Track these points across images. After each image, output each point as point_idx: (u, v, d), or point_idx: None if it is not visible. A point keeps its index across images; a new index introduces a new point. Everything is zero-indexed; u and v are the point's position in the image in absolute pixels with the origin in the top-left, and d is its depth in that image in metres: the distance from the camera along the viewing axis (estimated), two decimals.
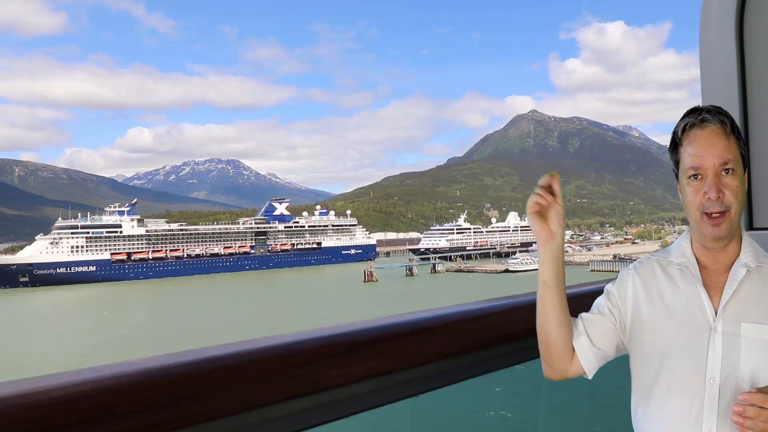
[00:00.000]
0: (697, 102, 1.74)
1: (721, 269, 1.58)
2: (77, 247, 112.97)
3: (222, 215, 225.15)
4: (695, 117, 1.55)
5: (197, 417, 1.25)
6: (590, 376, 1.66)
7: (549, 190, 1.60)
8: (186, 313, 70.38)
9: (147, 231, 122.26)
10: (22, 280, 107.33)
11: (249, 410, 1.33)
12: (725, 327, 1.50)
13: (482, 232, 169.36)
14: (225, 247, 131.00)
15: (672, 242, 1.72)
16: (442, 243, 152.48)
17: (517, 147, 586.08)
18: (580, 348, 1.64)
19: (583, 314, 1.70)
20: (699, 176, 1.52)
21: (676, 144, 1.59)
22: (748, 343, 1.48)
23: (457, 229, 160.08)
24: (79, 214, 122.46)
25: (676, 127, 1.60)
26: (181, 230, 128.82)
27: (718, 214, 1.51)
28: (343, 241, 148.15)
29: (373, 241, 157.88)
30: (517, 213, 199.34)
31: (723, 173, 1.51)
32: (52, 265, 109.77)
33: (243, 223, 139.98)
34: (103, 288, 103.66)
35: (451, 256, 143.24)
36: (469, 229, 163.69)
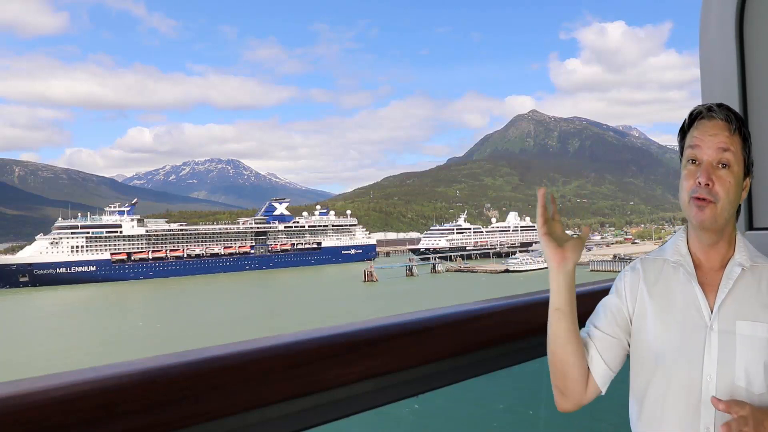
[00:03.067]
0: (698, 102, 1.81)
1: (715, 267, 1.59)
2: (77, 247, 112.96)
3: (222, 215, 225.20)
4: (704, 107, 1.60)
5: (197, 417, 1.25)
6: (603, 392, 1.66)
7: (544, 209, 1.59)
8: (186, 313, 70.41)
9: (147, 231, 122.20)
10: (22, 280, 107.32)
11: (249, 410, 1.33)
12: (721, 325, 1.51)
13: (482, 232, 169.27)
14: (225, 247, 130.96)
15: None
16: (442, 243, 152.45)
17: (517, 147, 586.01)
18: (597, 371, 1.62)
19: (591, 333, 1.66)
20: (696, 161, 1.56)
21: (684, 131, 1.63)
22: (744, 341, 1.49)
23: (457, 229, 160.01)
24: (79, 214, 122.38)
25: (687, 115, 1.63)
26: (181, 230, 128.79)
27: (704, 200, 1.53)
28: (343, 241, 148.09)
29: (373, 241, 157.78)
30: (516, 213, 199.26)
31: (719, 166, 1.53)
32: (52, 265, 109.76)
33: (243, 223, 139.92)
34: (103, 288, 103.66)
35: (451, 256, 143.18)
36: (469, 229, 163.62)
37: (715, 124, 1.57)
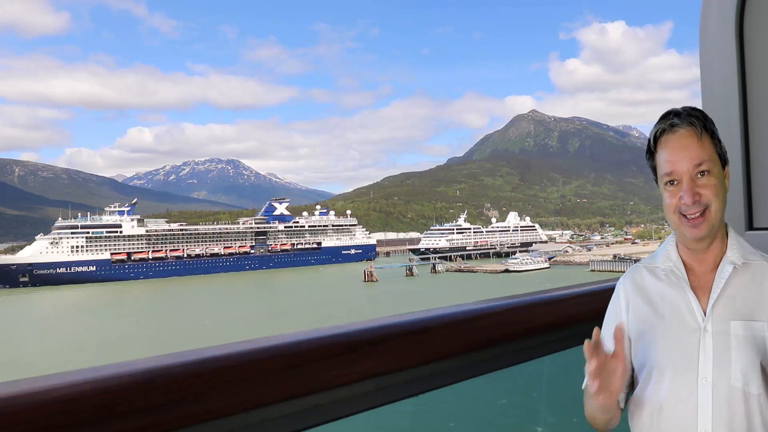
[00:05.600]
0: (698, 102, 1.77)
1: (707, 269, 1.58)
2: (77, 247, 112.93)
3: (222, 215, 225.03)
4: (665, 122, 1.56)
5: (197, 417, 1.25)
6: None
7: (597, 349, 1.46)
8: (186, 313, 70.39)
9: (147, 231, 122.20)
10: (22, 280, 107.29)
11: (249, 410, 1.33)
12: (715, 326, 1.51)
13: (482, 232, 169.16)
14: (225, 247, 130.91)
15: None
16: (442, 243, 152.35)
17: (517, 147, 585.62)
18: (620, 399, 1.65)
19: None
20: (675, 182, 1.54)
21: (651, 152, 1.60)
22: (738, 341, 1.49)
23: (457, 229, 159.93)
24: (79, 214, 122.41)
25: (650, 134, 1.60)
26: (181, 230, 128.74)
27: (697, 214, 1.51)
28: (343, 241, 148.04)
29: (373, 241, 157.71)
30: (516, 213, 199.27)
31: (698, 176, 1.52)
32: (52, 265, 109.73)
33: (243, 223, 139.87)
34: (103, 288, 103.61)
35: (451, 256, 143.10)
36: (469, 229, 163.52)
37: (681, 135, 1.54)
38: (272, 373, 1.37)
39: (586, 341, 1.46)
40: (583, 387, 1.63)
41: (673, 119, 1.55)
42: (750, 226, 2.60)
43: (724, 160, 1.57)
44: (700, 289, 1.56)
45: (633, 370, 1.65)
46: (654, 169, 1.60)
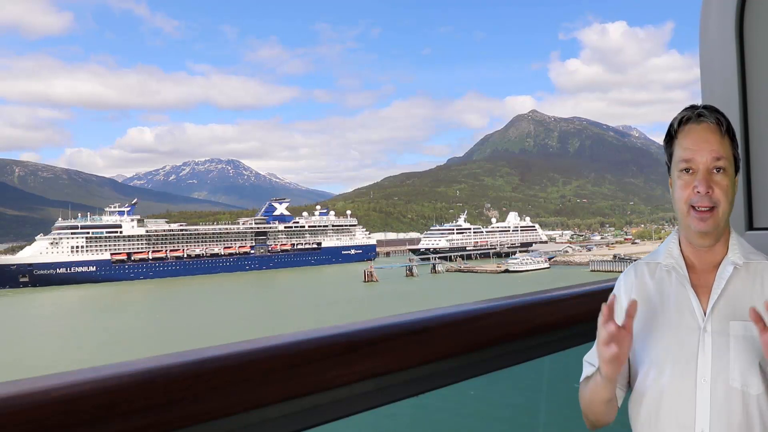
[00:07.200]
0: (698, 102, 1.76)
1: (708, 269, 1.58)
2: (77, 247, 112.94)
3: (222, 215, 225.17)
4: (692, 111, 1.58)
5: (197, 417, 1.25)
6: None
7: (611, 315, 1.49)
8: (186, 313, 70.41)
9: (147, 231, 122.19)
10: (22, 280, 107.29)
11: (249, 410, 1.33)
12: (714, 326, 1.51)
13: (482, 232, 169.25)
14: (225, 247, 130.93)
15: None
16: (442, 243, 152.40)
17: (517, 147, 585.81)
18: (618, 396, 1.65)
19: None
20: (690, 170, 1.54)
21: (671, 136, 1.60)
22: (738, 342, 1.49)
23: (457, 229, 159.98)
24: (79, 215, 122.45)
25: (673, 119, 1.61)
26: (181, 230, 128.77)
27: (706, 209, 1.52)
28: (343, 241, 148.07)
29: (373, 241, 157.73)
30: (516, 213, 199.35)
31: (714, 171, 1.52)
32: (52, 265, 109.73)
33: (243, 224, 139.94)
34: (103, 288, 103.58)
35: (451, 257, 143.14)
36: (469, 229, 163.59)
37: (706, 128, 1.55)
38: (272, 373, 1.37)
39: (603, 305, 1.48)
40: (585, 358, 1.67)
41: (700, 110, 1.57)
42: (750, 226, 2.60)
43: (737, 167, 1.59)
44: (700, 288, 1.56)
45: (630, 367, 1.65)
46: (670, 156, 1.60)
